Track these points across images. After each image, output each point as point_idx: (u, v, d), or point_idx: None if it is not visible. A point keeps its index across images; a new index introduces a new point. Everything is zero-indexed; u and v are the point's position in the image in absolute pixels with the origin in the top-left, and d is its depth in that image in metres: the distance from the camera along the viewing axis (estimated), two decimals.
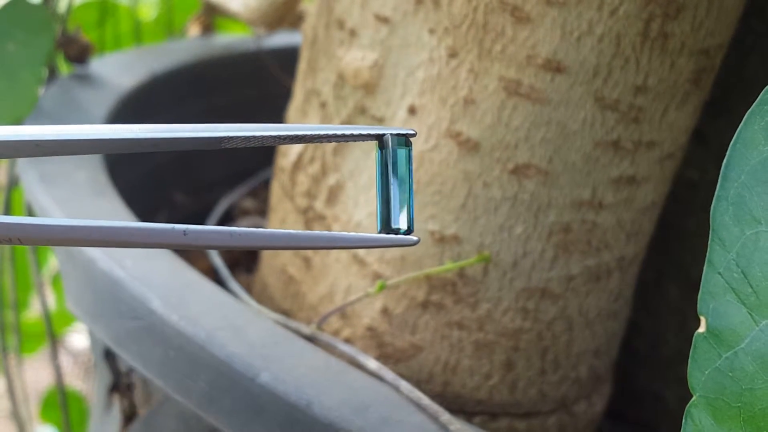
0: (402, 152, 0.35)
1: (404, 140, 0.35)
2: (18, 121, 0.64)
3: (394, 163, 0.35)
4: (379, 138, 0.35)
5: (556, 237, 0.51)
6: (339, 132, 0.35)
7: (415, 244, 0.34)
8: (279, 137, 0.35)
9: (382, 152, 0.35)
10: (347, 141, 0.35)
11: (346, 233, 0.34)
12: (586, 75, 0.48)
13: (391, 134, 0.35)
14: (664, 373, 0.67)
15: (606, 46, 0.48)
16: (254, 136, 0.34)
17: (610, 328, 0.57)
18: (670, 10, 0.47)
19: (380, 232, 0.35)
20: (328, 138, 0.35)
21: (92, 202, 0.57)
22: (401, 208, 0.35)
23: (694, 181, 0.61)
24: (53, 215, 0.55)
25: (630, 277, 0.57)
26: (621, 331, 0.60)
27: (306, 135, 0.35)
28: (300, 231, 0.34)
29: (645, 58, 0.48)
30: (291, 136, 0.35)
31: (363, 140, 0.35)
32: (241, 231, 0.34)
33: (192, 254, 0.69)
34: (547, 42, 0.48)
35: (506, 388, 0.54)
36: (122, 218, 0.56)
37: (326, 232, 0.34)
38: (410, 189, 0.35)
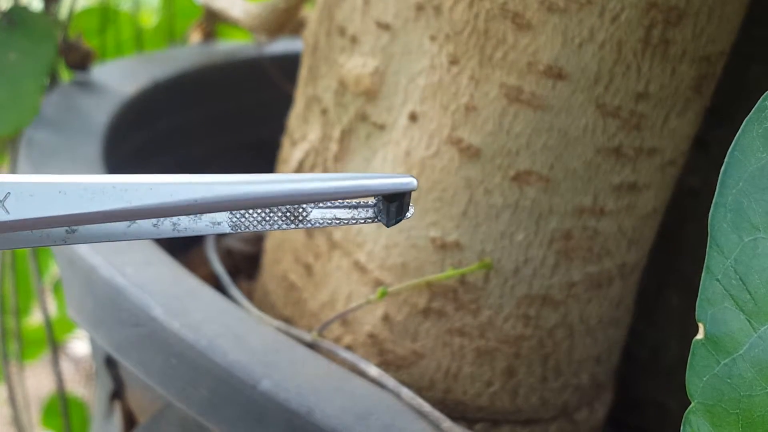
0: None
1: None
2: (19, 130, 0.64)
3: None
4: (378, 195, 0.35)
5: (558, 244, 0.51)
6: (340, 191, 0.34)
7: (413, 187, 0.34)
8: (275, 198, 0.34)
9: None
10: (342, 219, 0.35)
11: (342, 180, 0.33)
12: (588, 82, 0.48)
13: (388, 192, 0.35)
14: (665, 380, 0.67)
15: (607, 53, 0.48)
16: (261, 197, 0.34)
17: (612, 335, 0.57)
18: (672, 16, 0.47)
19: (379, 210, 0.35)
20: (324, 196, 0.34)
21: None
22: None
23: (695, 188, 0.61)
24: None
25: (631, 284, 0.57)
26: (622, 338, 0.60)
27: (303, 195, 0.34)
28: (287, 179, 0.33)
29: (646, 64, 0.48)
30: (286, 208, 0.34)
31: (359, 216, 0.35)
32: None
33: (193, 261, 0.69)
34: (549, 49, 0.48)
35: (507, 395, 0.54)
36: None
37: (321, 177, 0.33)
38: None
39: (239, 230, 0.35)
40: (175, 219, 0.35)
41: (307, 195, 0.33)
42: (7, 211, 0.31)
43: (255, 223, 0.35)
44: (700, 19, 0.48)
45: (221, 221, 0.35)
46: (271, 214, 0.35)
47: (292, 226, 0.35)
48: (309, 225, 0.35)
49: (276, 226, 0.35)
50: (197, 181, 0.32)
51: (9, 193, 0.31)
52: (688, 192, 0.60)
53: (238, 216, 0.35)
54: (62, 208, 0.31)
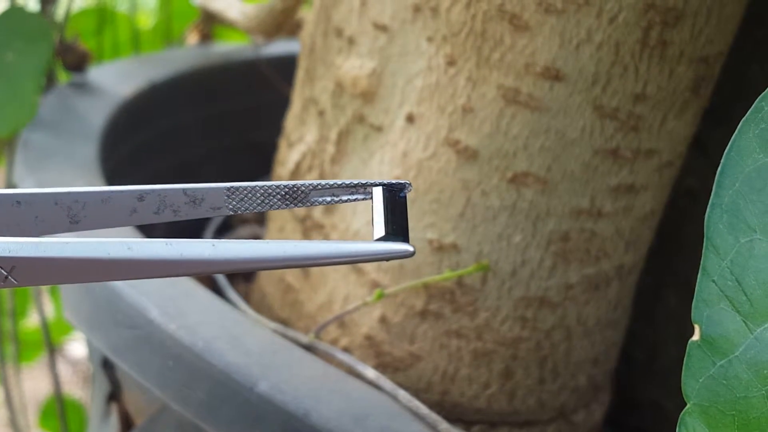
0: (394, 192, 0.35)
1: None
2: (16, 130, 0.64)
3: (389, 197, 0.35)
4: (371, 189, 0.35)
5: (555, 245, 0.51)
6: (334, 183, 0.35)
7: (411, 253, 0.34)
8: (278, 190, 0.34)
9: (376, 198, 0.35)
10: (342, 198, 0.35)
11: (339, 245, 0.34)
12: (585, 83, 0.48)
13: (384, 185, 0.35)
14: (663, 381, 0.67)
15: (605, 54, 0.48)
16: (256, 187, 0.34)
17: (609, 337, 0.57)
18: (669, 17, 0.47)
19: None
20: (323, 192, 0.35)
21: None
22: (397, 226, 0.35)
23: (693, 190, 0.61)
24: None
25: (629, 285, 0.57)
26: (620, 340, 0.60)
27: (302, 187, 0.34)
28: (290, 244, 0.33)
29: (644, 66, 0.48)
30: (289, 189, 0.34)
31: (359, 196, 0.35)
32: (225, 244, 0.33)
33: None
34: (546, 50, 0.48)
35: (505, 397, 0.54)
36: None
37: (319, 243, 0.33)
38: (405, 214, 0.35)
39: (239, 212, 0.35)
40: (175, 207, 0.35)
41: (303, 260, 0.33)
42: (16, 281, 0.32)
43: (255, 205, 0.35)
44: (698, 20, 0.48)
45: (221, 206, 0.35)
46: (270, 197, 0.35)
47: (291, 205, 0.35)
48: (308, 204, 0.35)
49: (275, 207, 0.35)
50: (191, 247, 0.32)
51: (14, 267, 0.31)
52: (686, 193, 0.60)
53: (237, 200, 0.35)
54: (68, 278, 0.32)
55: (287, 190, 0.35)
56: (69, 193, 0.33)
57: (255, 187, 0.34)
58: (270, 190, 0.35)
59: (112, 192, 0.34)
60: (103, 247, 0.31)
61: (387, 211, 0.35)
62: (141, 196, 0.34)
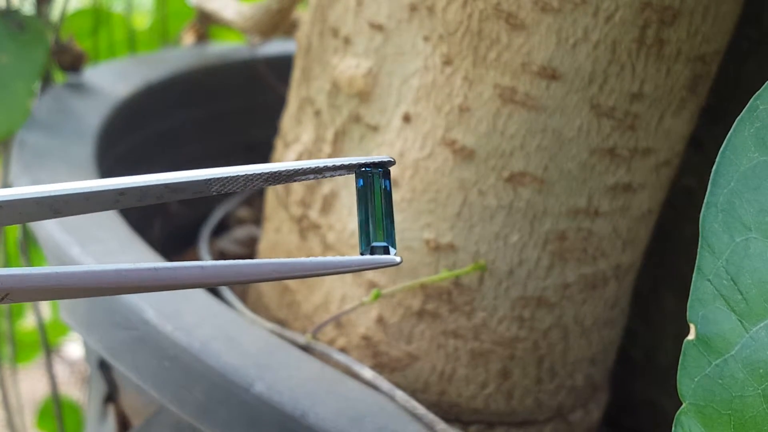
0: (378, 180, 0.35)
1: (383, 169, 0.35)
2: (9, 134, 0.64)
3: (373, 190, 0.35)
4: (357, 169, 0.35)
5: (552, 245, 0.51)
6: (317, 165, 0.35)
7: (397, 264, 0.34)
8: (260, 176, 0.34)
9: (359, 180, 0.35)
10: (325, 175, 0.35)
11: (327, 258, 0.34)
12: (582, 82, 0.48)
13: (368, 164, 0.35)
14: (660, 380, 0.67)
15: (602, 53, 0.47)
16: (238, 176, 0.34)
17: (607, 337, 0.57)
18: (666, 16, 0.47)
19: (363, 253, 0.35)
20: (305, 173, 0.35)
21: None
22: (383, 230, 0.35)
23: (691, 189, 0.61)
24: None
25: (626, 285, 0.57)
26: (617, 339, 0.59)
27: (284, 171, 0.35)
28: (280, 260, 0.34)
29: (641, 64, 0.48)
30: (271, 173, 0.35)
31: (342, 173, 0.35)
32: (212, 264, 0.34)
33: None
34: (543, 49, 0.48)
35: (502, 397, 0.54)
36: (114, 225, 0.56)
37: (307, 259, 0.34)
38: (391, 212, 0.35)
39: (222, 193, 0.35)
40: (158, 194, 0.35)
41: (290, 273, 0.34)
42: (12, 300, 0.33)
43: (238, 187, 0.35)
44: (695, 18, 0.48)
45: (203, 191, 0.35)
46: (253, 180, 0.35)
47: (275, 184, 0.35)
48: (292, 181, 0.35)
49: (259, 187, 0.35)
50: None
51: (8, 294, 0.33)
52: (684, 191, 0.60)
53: (219, 185, 0.35)
54: (60, 296, 0.33)
55: (268, 175, 0.35)
56: (50, 196, 0.33)
57: (237, 176, 0.35)
58: (252, 177, 0.35)
59: (92, 191, 0.34)
60: (92, 276, 0.33)
61: (371, 207, 0.35)
62: (122, 192, 0.34)
